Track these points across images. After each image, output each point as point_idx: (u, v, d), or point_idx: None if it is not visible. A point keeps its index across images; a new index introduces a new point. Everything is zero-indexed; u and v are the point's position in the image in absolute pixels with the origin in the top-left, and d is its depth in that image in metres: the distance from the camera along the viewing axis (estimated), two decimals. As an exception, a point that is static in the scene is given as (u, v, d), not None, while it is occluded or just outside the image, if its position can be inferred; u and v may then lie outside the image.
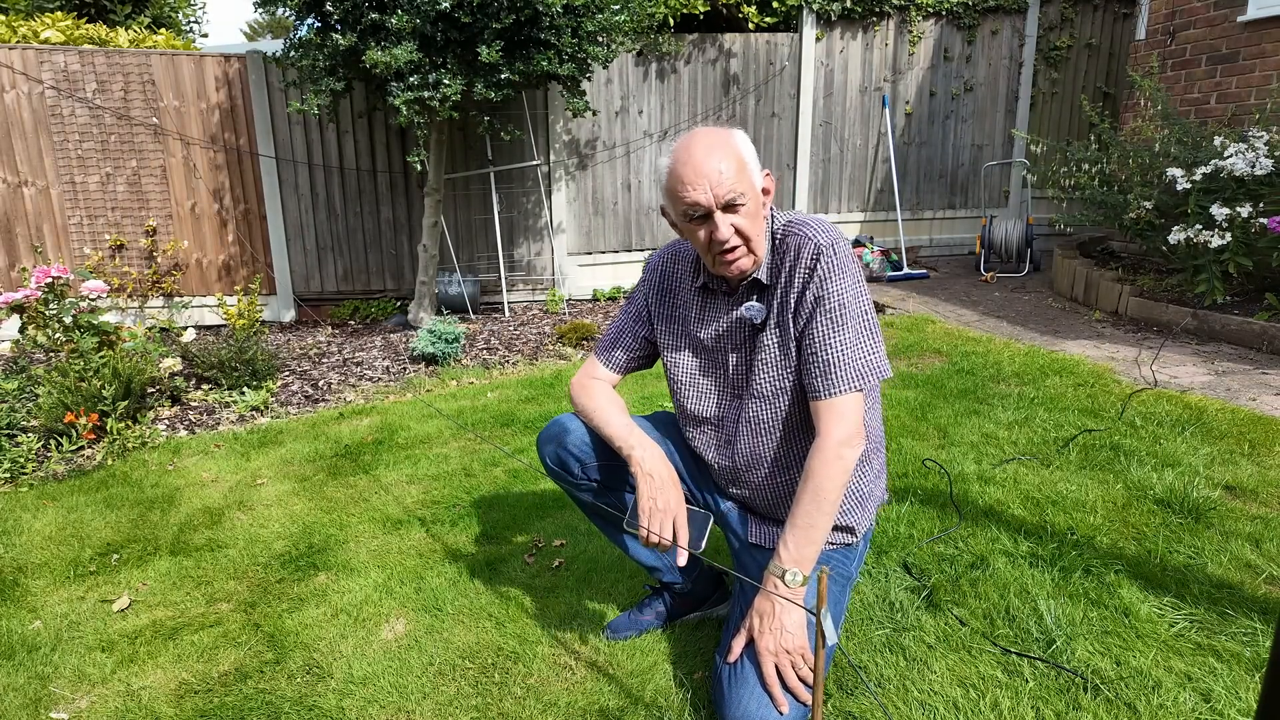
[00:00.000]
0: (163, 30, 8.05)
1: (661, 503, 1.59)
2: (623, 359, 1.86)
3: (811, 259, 1.56)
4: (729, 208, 1.52)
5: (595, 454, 1.77)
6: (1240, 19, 4.89)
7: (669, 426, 1.90)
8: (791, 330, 1.60)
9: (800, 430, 1.67)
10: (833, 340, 1.55)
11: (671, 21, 6.21)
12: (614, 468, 1.79)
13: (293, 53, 5.02)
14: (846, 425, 1.54)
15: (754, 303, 1.64)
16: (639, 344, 1.85)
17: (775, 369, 1.64)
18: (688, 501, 1.67)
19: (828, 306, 1.55)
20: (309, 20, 4.89)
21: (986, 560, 2.13)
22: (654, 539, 1.57)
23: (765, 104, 6.71)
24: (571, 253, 6.55)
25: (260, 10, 4.90)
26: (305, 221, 6.15)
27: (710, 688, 1.69)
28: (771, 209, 1.66)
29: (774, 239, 1.64)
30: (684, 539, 1.58)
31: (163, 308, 6.01)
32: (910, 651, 1.79)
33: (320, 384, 4.50)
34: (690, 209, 1.53)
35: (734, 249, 1.55)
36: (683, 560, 1.60)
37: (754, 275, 1.62)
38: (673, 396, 1.84)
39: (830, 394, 1.55)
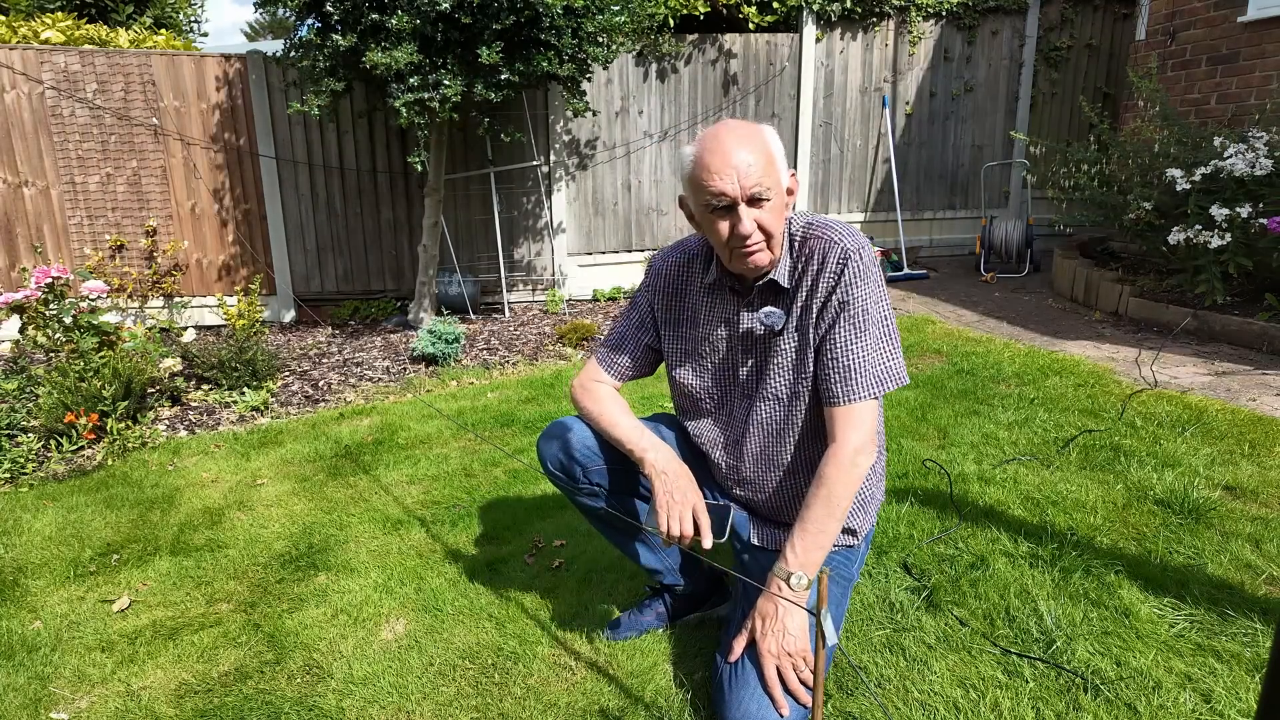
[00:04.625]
0: (164, 30, 8.05)
1: (679, 495, 1.57)
2: (625, 366, 1.82)
3: (839, 264, 1.53)
4: (754, 201, 1.48)
5: (598, 457, 1.75)
6: (1240, 19, 4.89)
7: (670, 427, 1.89)
8: (811, 336, 1.58)
9: (809, 435, 1.65)
10: (854, 346, 1.53)
11: (671, 22, 6.21)
12: (617, 471, 1.77)
13: (293, 53, 5.03)
14: (862, 433, 1.53)
15: (773, 309, 1.61)
16: (641, 351, 1.82)
17: (790, 373, 1.62)
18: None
19: (851, 312, 1.53)
20: (309, 21, 4.89)
21: (986, 560, 2.13)
22: (675, 532, 1.54)
23: (765, 104, 6.71)
24: (572, 253, 6.55)
25: (260, 10, 4.90)
26: (305, 222, 6.15)
27: (710, 688, 1.69)
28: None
29: (792, 241, 1.61)
30: (706, 526, 1.55)
31: (163, 308, 6.01)
32: (910, 652, 1.79)
33: (320, 384, 4.50)
34: (715, 199, 1.49)
35: (755, 244, 1.52)
36: (708, 544, 1.56)
37: (771, 277, 1.59)
38: (674, 394, 1.84)
39: (849, 400, 1.54)
